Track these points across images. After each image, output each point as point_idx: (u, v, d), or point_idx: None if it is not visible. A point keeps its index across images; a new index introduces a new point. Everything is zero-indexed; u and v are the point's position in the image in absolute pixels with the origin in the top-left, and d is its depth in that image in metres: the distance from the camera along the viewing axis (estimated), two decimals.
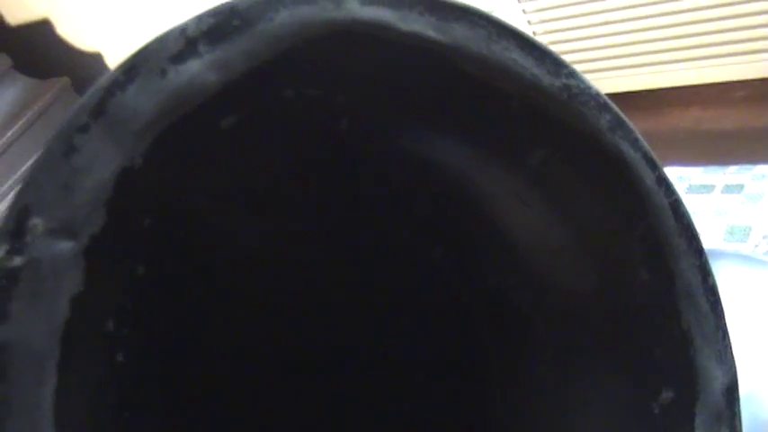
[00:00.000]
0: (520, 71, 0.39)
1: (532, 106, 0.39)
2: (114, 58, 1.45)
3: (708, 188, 0.93)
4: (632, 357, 0.40)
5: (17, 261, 0.28)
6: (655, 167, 0.40)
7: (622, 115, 0.40)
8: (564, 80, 0.39)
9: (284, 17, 0.34)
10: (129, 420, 0.31)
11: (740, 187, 0.88)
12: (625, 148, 0.40)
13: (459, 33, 0.38)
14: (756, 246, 0.79)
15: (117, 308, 0.30)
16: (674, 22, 1.07)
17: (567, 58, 0.37)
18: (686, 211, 0.41)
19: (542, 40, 1.02)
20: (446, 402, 0.43)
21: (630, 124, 0.41)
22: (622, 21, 1.10)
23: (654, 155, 0.41)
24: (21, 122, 1.28)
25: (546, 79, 0.39)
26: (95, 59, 1.42)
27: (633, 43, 1.11)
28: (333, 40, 0.35)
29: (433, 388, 0.43)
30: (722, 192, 0.90)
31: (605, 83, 1.38)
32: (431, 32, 0.37)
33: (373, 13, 0.36)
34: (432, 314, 0.42)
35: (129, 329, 0.31)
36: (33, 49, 1.61)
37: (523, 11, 1.26)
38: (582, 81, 0.40)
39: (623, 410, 0.40)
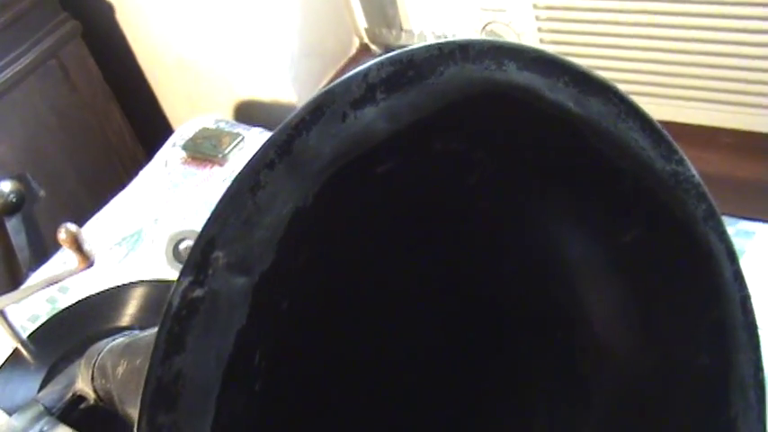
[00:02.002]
0: (639, 152, 0.40)
1: (641, 187, 0.40)
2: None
3: None
4: None
5: (198, 292, 0.28)
6: (734, 261, 0.42)
7: (715, 206, 0.42)
8: (674, 166, 0.41)
9: (453, 73, 0.35)
10: None
11: None
12: (713, 239, 0.42)
13: (594, 108, 0.39)
14: None
15: (263, 340, 0.31)
16: (669, 60, 1.09)
17: None
18: (752, 307, 0.43)
19: None
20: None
21: (719, 215, 0.43)
22: (617, 48, 1.12)
23: (734, 248, 0.43)
24: None
25: (659, 162, 0.41)
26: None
27: (626, 71, 1.13)
28: (487, 99, 0.36)
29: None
30: None
31: None
32: (571, 104, 0.38)
33: (527, 78, 0.37)
34: (495, 355, 0.44)
35: (266, 360, 0.32)
36: None
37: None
38: (688, 169, 0.42)
39: None
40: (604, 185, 0.40)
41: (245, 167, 0.29)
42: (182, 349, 0.28)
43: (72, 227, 0.77)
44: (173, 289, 0.28)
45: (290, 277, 0.31)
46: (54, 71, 1.32)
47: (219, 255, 0.28)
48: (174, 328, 0.28)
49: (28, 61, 1.29)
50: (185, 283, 0.28)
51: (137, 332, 0.67)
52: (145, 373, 0.53)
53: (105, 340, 0.67)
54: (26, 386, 0.78)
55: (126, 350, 0.60)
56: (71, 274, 0.81)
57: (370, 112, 0.32)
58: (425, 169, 0.36)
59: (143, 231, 1.12)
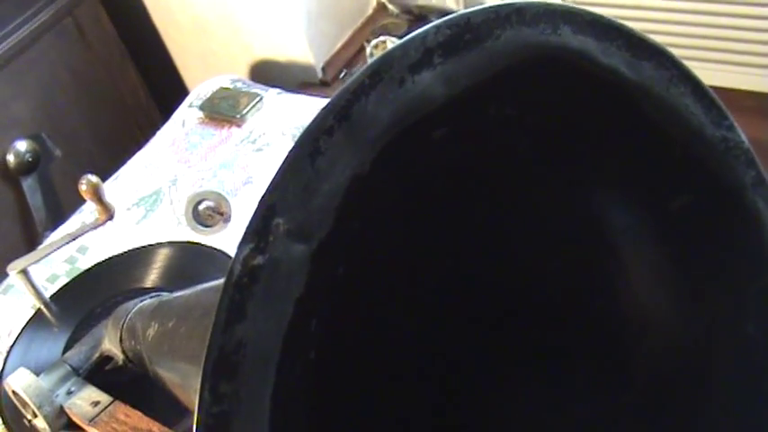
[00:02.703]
0: (689, 117, 0.39)
1: (691, 153, 0.40)
2: None
3: None
4: (718, 413, 0.42)
5: (259, 260, 0.28)
6: None
7: (763, 173, 0.42)
8: (724, 132, 0.40)
9: (509, 36, 0.34)
10: (317, 415, 0.32)
11: None
12: (762, 206, 0.41)
13: (646, 73, 0.38)
14: None
15: (319, 308, 0.31)
16: (687, 21, 1.08)
17: None
18: None
19: None
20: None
21: None
22: (635, 8, 1.10)
23: None
24: None
25: (709, 128, 0.40)
26: None
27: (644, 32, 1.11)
28: (541, 64, 0.35)
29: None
30: None
31: None
32: (624, 69, 0.37)
33: (581, 42, 0.36)
34: (540, 328, 0.44)
35: (321, 328, 0.31)
36: None
37: None
38: (738, 135, 0.41)
39: None
40: (653, 152, 0.40)
41: (303, 133, 0.29)
42: (243, 317, 0.27)
43: (93, 178, 0.77)
44: (233, 256, 0.28)
45: (347, 244, 0.30)
46: (69, 29, 1.31)
47: (280, 222, 0.28)
48: (236, 297, 0.27)
49: (43, 20, 1.28)
50: (246, 250, 0.27)
51: (165, 294, 0.67)
52: (175, 334, 0.53)
53: (132, 301, 0.67)
54: (49, 346, 0.78)
55: (156, 312, 0.60)
56: (92, 227, 0.81)
57: (427, 77, 0.32)
58: (478, 135, 0.35)
59: (161, 192, 1.11)
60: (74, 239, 0.81)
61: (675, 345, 0.43)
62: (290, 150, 0.28)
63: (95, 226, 0.80)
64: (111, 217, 0.79)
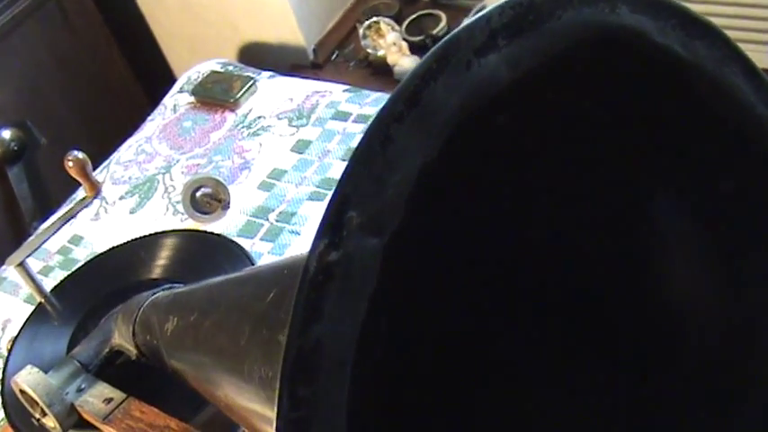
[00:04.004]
0: (741, 97, 0.38)
1: (742, 133, 0.39)
2: None
3: None
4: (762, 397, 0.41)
5: (333, 256, 0.26)
6: None
7: None
8: None
9: (570, 16, 0.33)
10: (385, 416, 0.31)
11: None
12: None
13: (700, 52, 0.37)
14: None
15: (389, 304, 0.29)
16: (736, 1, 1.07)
17: None
18: None
19: None
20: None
21: None
22: None
23: None
24: None
25: (760, 108, 0.39)
26: None
27: None
28: (599, 44, 0.34)
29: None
30: None
31: None
32: (679, 48, 0.36)
33: (638, 21, 0.35)
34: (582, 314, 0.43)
35: (389, 325, 0.30)
36: None
37: None
38: None
39: None
40: (705, 132, 0.39)
41: (374, 121, 0.28)
42: (320, 317, 0.26)
43: (80, 154, 0.75)
44: (309, 253, 0.26)
45: (417, 236, 0.29)
46: (53, 14, 1.28)
47: (353, 215, 0.27)
48: (312, 295, 0.26)
49: (26, 4, 1.24)
50: (321, 246, 0.26)
51: (178, 286, 0.65)
52: (199, 329, 0.52)
53: (143, 294, 0.65)
54: (53, 342, 0.76)
55: (173, 306, 0.58)
56: (82, 205, 0.79)
57: (492, 59, 0.30)
58: (537, 120, 0.34)
59: (155, 180, 1.09)
60: (67, 222, 0.79)
61: (718, 330, 0.42)
62: (362, 139, 0.27)
63: (84, 204, 0.79)
64: (98, 193, 0.78)
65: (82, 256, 1.02)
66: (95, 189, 0.78)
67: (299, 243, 0.92)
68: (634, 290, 0.43)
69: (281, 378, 0.26)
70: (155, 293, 0.64)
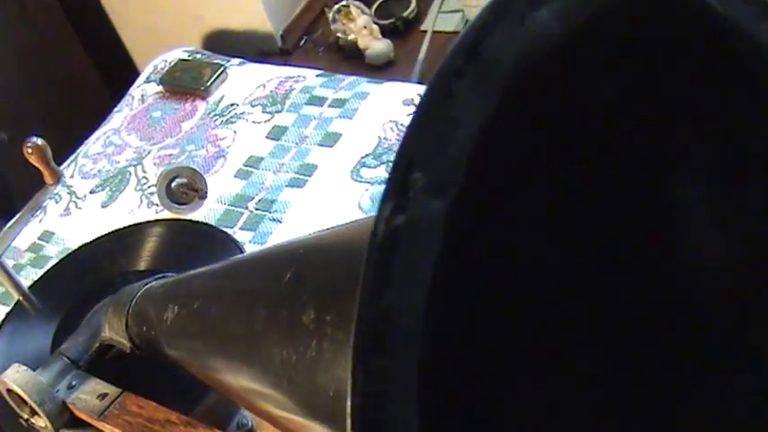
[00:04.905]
0: None
1: None
2: None
3: None
4: None
5: (400, 219, 0.25)
6: None
7: None
8: None
9: None
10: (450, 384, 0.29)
11: None
12: None
13: (736, 8, 0.36)
14: None
15: (452, 269, 0.28)
16: None
17: None
18: None
19: None
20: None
21: None
22: None
23: None
24: None
25: None
26: None
27: None
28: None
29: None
30: None
31: None
32: (715, 2, 0.36)
33: None
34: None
35: (451, 290, 0.29)
36: None
37: None
38: None
39: None
40: (740, 89, 0.38)
41: (435, 76, 0.26)
42: (389, 284, 0.24)
43: (38, 140, 0.73)
44: (375, 217, 0.25)
45: (479, 198, 0.28)
46: (10, 5, 1.23)
47: (418, 176, 0.25)
48: (381, 262, 0.24)
49: None
50: (388, 209, 0.25)
51: (171, 275, 0.63)
52: (204, 316, 0.50)
53: (134, 285, 0.63)
54: (35, 341, 0.73)
55: (171, 294, 0.56)
56: (45, 194, 0.77)
57: (544, 14, 0.29)
58: (581, 78, 0.33)
59: (127, 172, 1.07)
60: (33, 213, 0.77)
61: (737, 290, 0.42)
62: (423, 96, 0.26)
63: (47, 193, 0.76)
64: (59, 180, 0.76)
65: (54, 252, 0.99)
66: (57, 176, 0.76)
67: (281, 231, 0.90)
68: (655, 250, 0.42)
69: (353, 350, 0.24)
70: (147, 283, 0.62)
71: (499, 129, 0.28)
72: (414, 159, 0.25)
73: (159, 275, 0.63)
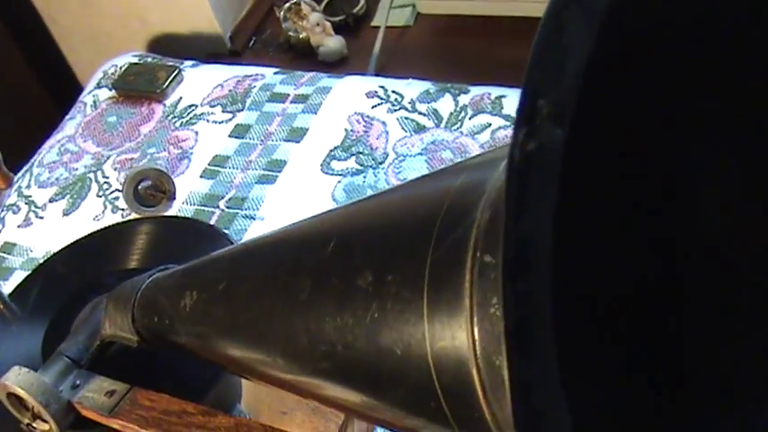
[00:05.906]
0: None
1: None
2: None
3: None
4: None
5: (531, 146, 0.26)
6: None
7: None
8: None
9: None
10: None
11: None
12: None
13: None
14: None
15: (570, 197, 0.29)
16: None
17: None
18: None
19: None
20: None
21: None
22: None
23: None
24: None
25: None
26: None
27: None
28: None
29: None
30: None
31: None
32: None
33: None
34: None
35: (570, 218, 0.29)
36: None
37: None
38: None
39: None
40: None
41: (549, 8, 0.27)
42: (525, 209, 0.25)
43: None
44: (511, 143, 0.25)
45: (591, 126, 0.29)
46: None
47: (543, 103, 0.26)
48: (519, 187, 0.25)
49: None
50: (521, 135, 0.25)
51: (173, 266, 0.62)
52: (233, 296, 0.49)
53: (135, 279, 0.62)
54: (22, 346, 0.71)
55: (185, 282, 0.55)
56: None
57: None
58: (668, 18, 0.34)
59: (87, 179, 1.04)
60: None
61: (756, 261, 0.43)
62: (540, 28, 0.26)
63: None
64: (10, 183, 0.75)
65: (18, 263, 0.96)
66: (8, 181, 0.75)
67: (257, 227, 0.90)
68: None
69: (502, 273, 0.24)
70: (151, 276, 0.60)
71: (606, 58, 0.29)
72: (538, 87, 0.26)
73: (162, 267, 0.62)
